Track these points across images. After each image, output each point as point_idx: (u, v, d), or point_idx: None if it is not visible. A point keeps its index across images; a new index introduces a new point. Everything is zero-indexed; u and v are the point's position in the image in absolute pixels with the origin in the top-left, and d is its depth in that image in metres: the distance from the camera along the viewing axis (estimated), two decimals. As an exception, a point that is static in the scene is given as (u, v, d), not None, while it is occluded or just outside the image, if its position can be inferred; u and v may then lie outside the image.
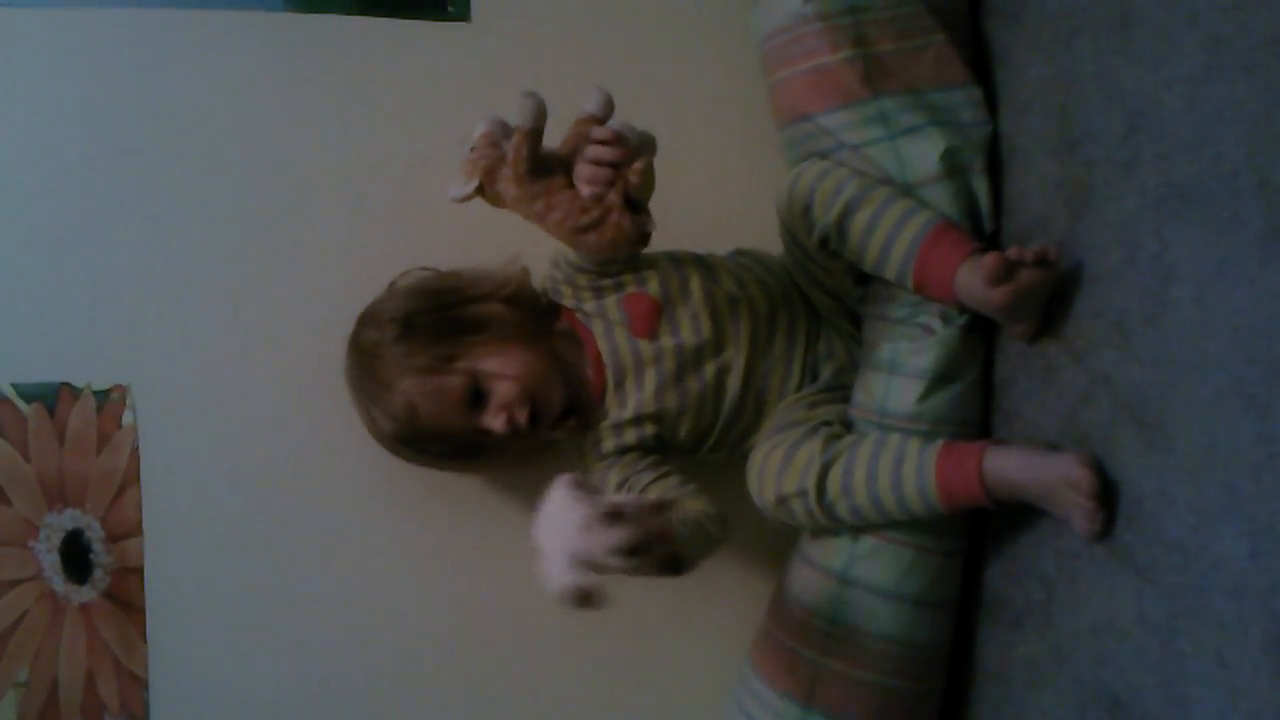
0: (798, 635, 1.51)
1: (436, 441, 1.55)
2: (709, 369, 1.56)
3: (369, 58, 1.75)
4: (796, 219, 1.48)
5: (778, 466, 1.47)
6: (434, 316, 1.54)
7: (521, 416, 1.50)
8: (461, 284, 1.58)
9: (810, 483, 1.43)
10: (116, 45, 1.70)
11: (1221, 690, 1.06)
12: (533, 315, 1.58)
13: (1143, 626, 1.18)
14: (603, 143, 1.32)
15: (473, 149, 1.36)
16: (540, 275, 1.63)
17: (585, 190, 1.33)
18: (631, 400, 1.56)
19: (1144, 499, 1.18)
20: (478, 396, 1.50)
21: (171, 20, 1.70)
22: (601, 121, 1.33)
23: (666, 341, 1.54)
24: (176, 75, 1.71)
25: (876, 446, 1.43)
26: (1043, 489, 1.30)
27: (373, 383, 1.54)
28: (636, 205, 1.36)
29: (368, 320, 1.58)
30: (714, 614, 1.79)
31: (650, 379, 1.55)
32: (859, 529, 1.48)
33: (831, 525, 1.47)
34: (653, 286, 1.55)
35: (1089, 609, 1.28)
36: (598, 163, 1.33)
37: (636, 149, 1.33)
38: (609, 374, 1.56)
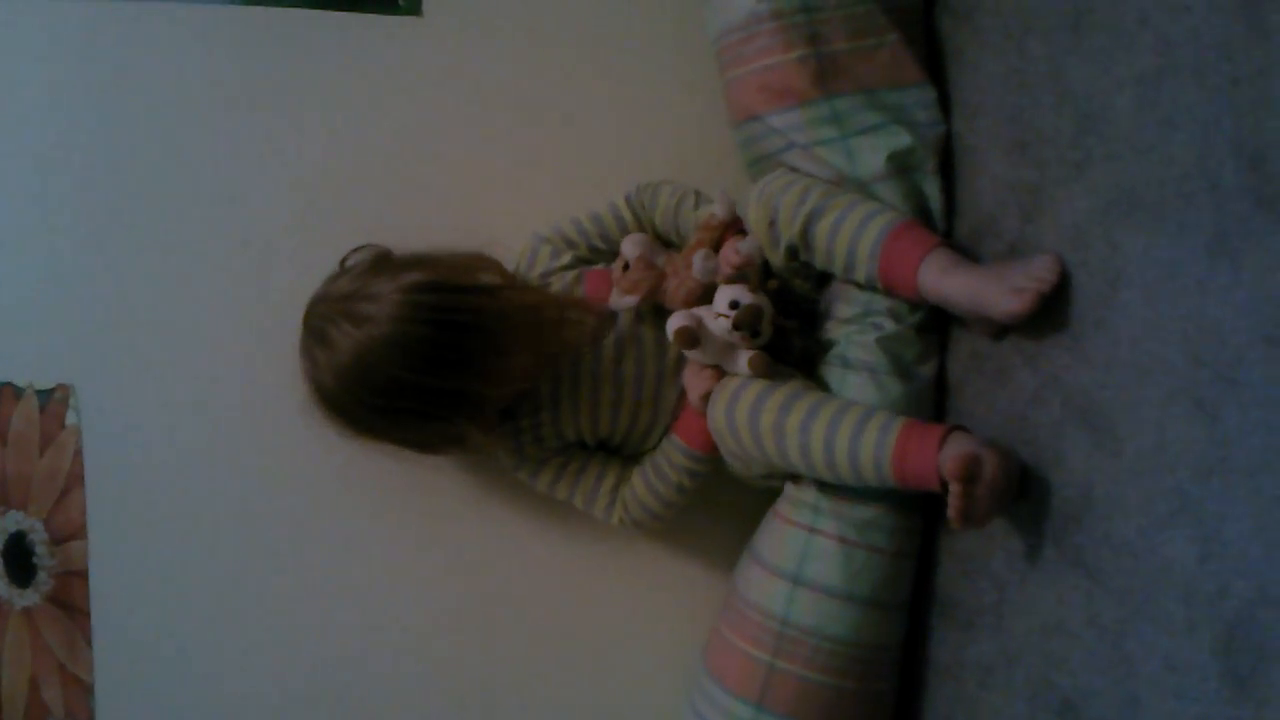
0: (749, 637, 1.51)
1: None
2: (648, 356, 1.58)
3: (319, 52, 1.73)
4: (763, 232, 1.48)
5: (739, 384, 1.47)
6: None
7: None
8: None
9: (772, 403, 1.42)
10: (60, 39, 1.67)
11: (1171, 693, 1.06)
12: None
13: (1093, 628, 1.18)
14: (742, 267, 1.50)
15: (627, 268, 1.56)
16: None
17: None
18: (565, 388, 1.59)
19: (1094, 501, 1.18)
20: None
21: (118, 12, 1.67)
22: (728, 224, 1.55)
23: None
24: (122, 69, 1.68)
25: (850, 401, 1.42)
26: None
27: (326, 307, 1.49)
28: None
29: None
30: (668, 616, 1.79)
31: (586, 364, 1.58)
32: (811, 527, 1.47)
33: (772, 466, 1.46)
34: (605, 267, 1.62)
35: (1039, 610, 1.28)
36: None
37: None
38: None
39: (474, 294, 1.47)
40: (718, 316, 1.45)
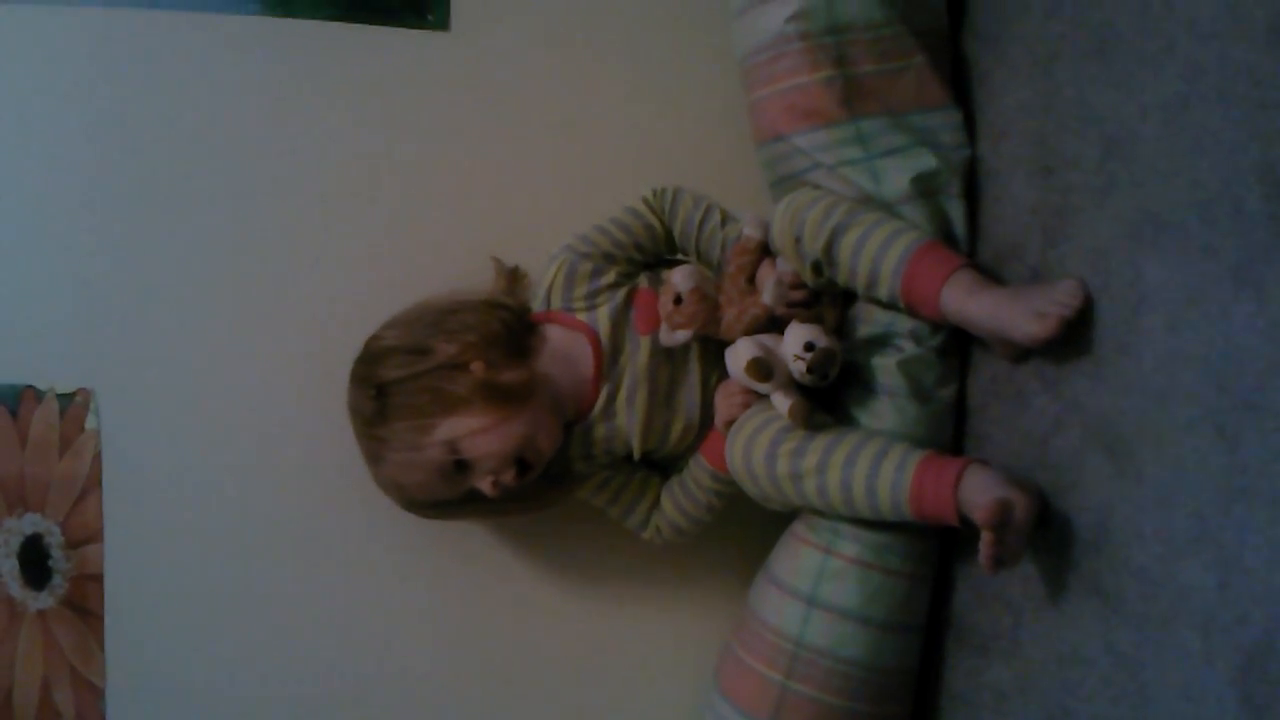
0: (763, 657, 1.50)
1: (434, 507, 1.57)
2: (694, 374, 1.58)
3: (345, 65, 1.73)
4: (789, 249, 1.47)
5: (757, 425, 1.46)
6: (408, 387, 1.50)
7: (508, 477, 1.50)
8: (434, 341, 1.53)
9: (788, 448, 1.41)
10: (84, 45, 1.68)
11: (1187, 723, 1.05)
12: (511, 348, 1.55)
13: (1109, 656, 1.17)
14: (794, 287, 1.49)
15: (678, 301, 1.51)
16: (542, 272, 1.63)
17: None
18: (623, 400, 1.58)
19: (1113, 527, 1.17)
20: (461, 464, 1.49)
21: (144, 21, 1.68)
22: (762, 242, 1.53)
23: (658, 345, 1.56)
24: (146, 77, 1.69)
25: (865, 436, 1.41)
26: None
27: (365, 451, 1.55)
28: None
29: (351, 384, 1.55)
30: (681, 634, 1.79)
31: (643, 375, 1.57)
32: (828, 548, 1.47)
33: (788, 500, 1.45)
34: (650, 287, 1.60)
35: (1056, 637, 1.27)
36: (793, 304, 1.49)
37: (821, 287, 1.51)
38: (605, 363, 1.57)
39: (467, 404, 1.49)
40: (796, 359, 1.41)
